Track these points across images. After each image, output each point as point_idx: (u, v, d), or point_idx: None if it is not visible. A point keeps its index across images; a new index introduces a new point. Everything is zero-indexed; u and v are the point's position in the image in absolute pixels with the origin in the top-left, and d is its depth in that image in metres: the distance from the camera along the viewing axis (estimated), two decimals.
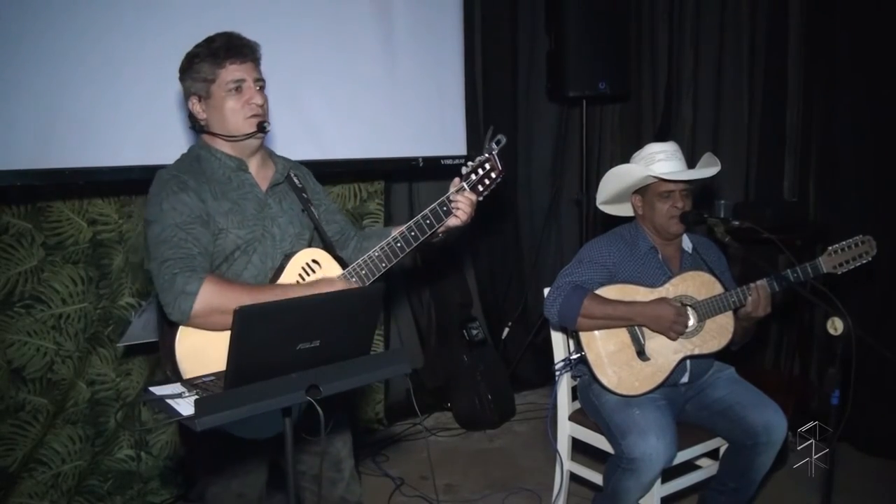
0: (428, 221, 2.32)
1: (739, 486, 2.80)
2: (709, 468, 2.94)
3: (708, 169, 2.83)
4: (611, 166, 3.02)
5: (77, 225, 3.12)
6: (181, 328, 2.03)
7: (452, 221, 2.35)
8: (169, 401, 1.68)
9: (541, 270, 5.15)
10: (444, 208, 2.33)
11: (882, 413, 3.83)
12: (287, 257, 2.21)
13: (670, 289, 2.80)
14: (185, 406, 1.63)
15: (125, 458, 3.34)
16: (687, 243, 2.95)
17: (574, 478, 3.15)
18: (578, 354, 2.85)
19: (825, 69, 4.21)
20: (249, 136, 2.17)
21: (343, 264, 2.28)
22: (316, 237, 2.37)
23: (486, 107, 4.68)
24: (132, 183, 3.18)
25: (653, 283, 2.81)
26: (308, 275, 2.21)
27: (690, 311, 2.77)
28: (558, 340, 3.09)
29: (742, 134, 4.57)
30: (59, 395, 3.11)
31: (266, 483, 2.33)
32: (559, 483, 3.15)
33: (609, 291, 2.79)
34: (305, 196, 2.35)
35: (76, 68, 2.85)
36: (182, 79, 2.20)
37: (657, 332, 2.75)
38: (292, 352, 1.65)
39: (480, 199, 2.39)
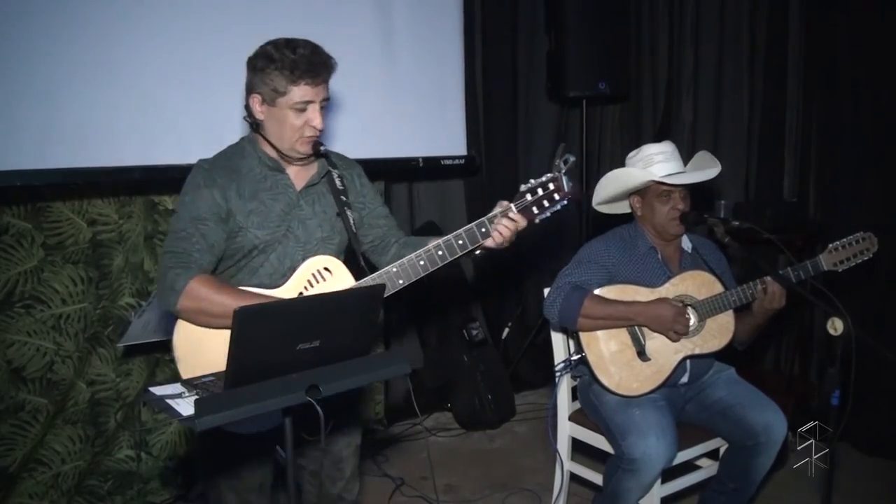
0: (461, 242, 2.18)
1: (739, 486, 2.80)
2: (709, 468, 2.94)
3: (709, 170, 2.82)
4: (611, 166, 3.02)
5: (77, 225, 3.12)
6: (178, 320, 2.07)
7: (489, 244, 2.21)
8: (169, 401, 1.68)
9: (540, 270, 5.14)
10: (483, 229, 2.19)
11: (882, 413, 3.83)
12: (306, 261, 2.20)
13: (670, 288, 2.80)
14: (185, 406, 1.64)
15: (125, 459, 3.34)
16: (686, 243, 2.95)
17: (574, 478, 3.16)
18: (579, 355, 2.85)
19: (825, 69, 4.21)
20: (304, 157, 2.18)
21: (361, 274, 2.22)
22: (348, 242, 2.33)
23: (486, 107, 4.68)
24: (132, 183, 3.19)
25: (652, 283, 2.81)
26: (317, 282, 2.18)
27: (691, 311, 2.77)
28: (558, 341, 3.09)
29: (742, 134, 4.58)
30: (58, 396, 3.11)
31: (274, 474, 2.35)
32: (559, 483, 3.15)
33: (609, 292, 2.79)
34: (344, 199, 2.29)
35: (76, 69, 2.85)
36: (251, 70, 2.13)
37: (657, 332, 2.74)
38: (292, 352, 1.65)
39: (536, 222, 2.24)
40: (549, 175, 2.21)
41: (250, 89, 2.15)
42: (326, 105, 2.17)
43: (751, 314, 2.81)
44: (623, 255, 2.86)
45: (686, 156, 2.93)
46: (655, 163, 2.80)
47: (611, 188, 2.92)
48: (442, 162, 4.08)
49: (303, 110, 2.11)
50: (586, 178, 4.68)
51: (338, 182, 2.30)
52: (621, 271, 2.84)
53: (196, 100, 3.15)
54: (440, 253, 2.17)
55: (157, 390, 1.76)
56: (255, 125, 2.20)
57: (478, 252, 2.24)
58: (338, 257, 2.27)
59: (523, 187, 2.22)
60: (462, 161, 4.18)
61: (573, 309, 2.73)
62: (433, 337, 4.71)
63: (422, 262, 2.18)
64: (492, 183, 4.80)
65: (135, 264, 3.28)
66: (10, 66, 2.71)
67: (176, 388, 1.79)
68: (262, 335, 1.61)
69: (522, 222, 2.21)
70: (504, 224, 2.18)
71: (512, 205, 2.20)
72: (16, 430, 3.03)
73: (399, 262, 2.17)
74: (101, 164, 2.95)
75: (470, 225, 2.19)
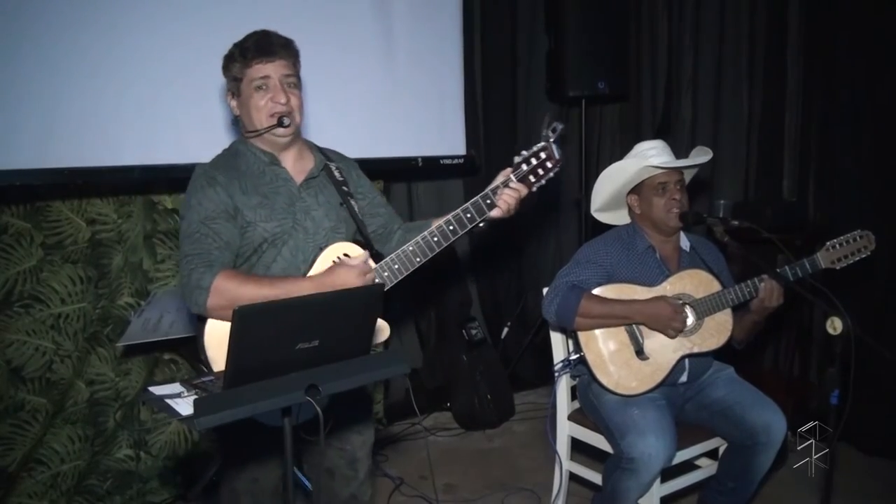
0: (469, 215, 2.25)
1: (738, 485, 2.81)
2: (708, 468, 2.94)
3: (701, 157, 2.84)
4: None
5: (76, 224, 3.12)
6: (209, 320, 2.10)
7: (496, 213, 2.28)
8: (168, 401, 1.67)
9: (540, 270, 5.14)
10: (488, 201, 2.26)
11: (882, 413, 3.84)
12: (321, 251, 2.24)
13: (668, 287, 2.80)
14: (185, 406, 1.63)
15: (124, 458, 3.34)
16: (685, 242, 2.95)
17: (573, 477, 3.16)
18: (578, 355, 2.85)
19: (824, 68, 4.22)
20: (268, 129, 2.21)
21: (379, 259, 2.27)
22: (355, 232, 2.38)
23: (485, 107, 4.68)
24: (131, 182, 3.19)
25: (651, 282, 2.81)
26: None
27: (689, 309, 2.77)
28: (557, 340, 3.09)
29: (741, 134, 4.58)
30: (58, 395, 3.11)
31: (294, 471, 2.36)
32: (558, 483, 3.15)
33: (607, 291, 2.79)
34: (346, 189, 2.36)
35: (75, 68, 2.85)
36: (223, 75, 2.27)
37: (655, 329, 2.75)
38: (292, 351, 1.65)
39: (534, 190, 2.30)
40: (539, 144, 2.28)
41: (226, 92, 2.29)
42: (294, 84, 2.25)
43: (749, 312, 2.82)
44: (621, 254, 2.86)
45: (685, 155, 2.93)
46: (649, 157, 2.82)
47: (607, 186, 2.92)
48: (441, 161, 4.09)
49: (263, 88, 2.19)
50: (586, 178, 4.68)
51: (337, 174, 2.37)
52: (620, 271, 2.84)
53: (195, 99, 3.15)
54: (451, 228, 2.24)
55: (157, 390, 1.76)
56: (236, 122, 2.31)
57: (481, 224, 2.30)
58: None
59: (517, 158, 2.29)
60: (461, 161, 4.18)
61: (570, 308, 2.74)
62: (432, 337, 4.71)
63: (435, 238, 2.24)
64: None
65: (134, 264, 3.28)
66: (9, 65, 2.72)
67: (175, 387, 1.79)
68: (262, 334, 1.61)
69: (524, 190, 2.28)
70: (507, 193, 2.26)
71: (511, 174, 2.28)
72: (15, 429, 3.03)
73: (414, 240, 2.23)
74: (101, 163, 2.95)
75: (475, 198, 2.26)
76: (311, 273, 2.20)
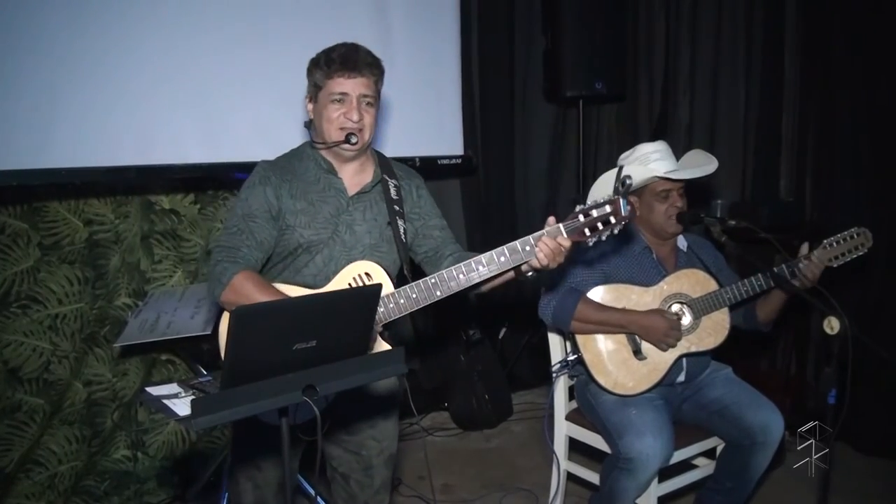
0: (503, 259, 2.09)
1: (736, 485, 2.81)
2: (705, 468, 2.95)
3: (708, 166, 2.83)
4: (608, 165, 3.02)
5: (73, 225, 3.12)
6: (224, 312, 2.18)
7: (534, 263, 2.09)
8: (165, 401, 1.68)
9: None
10: (527, 248, 2.08)
11: (879, 412, 3.84)
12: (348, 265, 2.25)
13: (665, 287, 2.80)
14: (182, 406, 1.63)
15: (122, 459, 3.34)
16: (682, 242, 2.95)
17: (571, 477, 3.16)
18: (575, 355, 2.85)
19: (821, 69, 4.22)
20: (335, 144, 2.24)
21: (401, 283, 2.22)
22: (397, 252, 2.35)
23: (482, 107, 4.68)
24: (128, 183, 3.19)
25: (648, 282, 2.81)
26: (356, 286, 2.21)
27: (686, 309, 2.78)
28: (555, 341, 3.09)
29: (738, 133, 4.58)
30: (55, 396, 3.11)
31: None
32: (556, 483, 3.15)
33: (604, 291, 2.80)
34: (397, 209, 2.36)
35: (72, 68, 2.85)
36: (307, 78, 2.30)
37: (649, 342, 2.75)
38: (289, 352, 1.65)
39: (590, 244, 2.09)
40: (608, 197, 2.05)
41: (307, 93, 2.33)
42: (371, 104, 2.28)
43: (778, 294, 2.81)
44: (618, 255, 2.86)
45: (682, 154, 2.93)
46: (653, 161, 2.80)
47: (609, 189, 2.90)
48: (439, 161, 4.09)
49: (340, 101, 2.23)
50: (583, 179, 4.69)
51: (393, 191, 2.37)
52: (617, 271, 2.84)
53: (192, 100, 3.15)
54: (480, 269, 2.11)
55: (154, 390, 1.76)
56: (308, 125, 2.35)
57: (530, 274, 2.15)
58: (386, 266, 2.27)
59: (578, 207, 2.08)
60: (459, 161, 4.18)
61: (567, 312, 2.74)
62: (430, 337, 4.70)
63: (462, 276, 2.13)
64: (488, 182, 4.80)
65: (131, 264, 3.28)
66: (6, 66, 2.71)
67: (172, 388, 1.79)
68: (259, 334, 1.60)
69: (567, 244, 2.07)
70: (545, 242, 2.06)
71: (561, 225, 2.07)
72: (12, 430, 3.02)
73: (438, 273, 2.14)
74: (98, 163, 2.95)
75: (514, 241, 2.09)
76: (328, 286, 2.22)
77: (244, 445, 2.34)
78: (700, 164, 2.86)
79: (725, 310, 2.80)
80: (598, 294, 2.80)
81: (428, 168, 4.07)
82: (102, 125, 2.94)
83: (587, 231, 2.05)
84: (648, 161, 2.80)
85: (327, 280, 2.23)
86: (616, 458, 2.67)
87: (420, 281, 2.16)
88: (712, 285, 2.81)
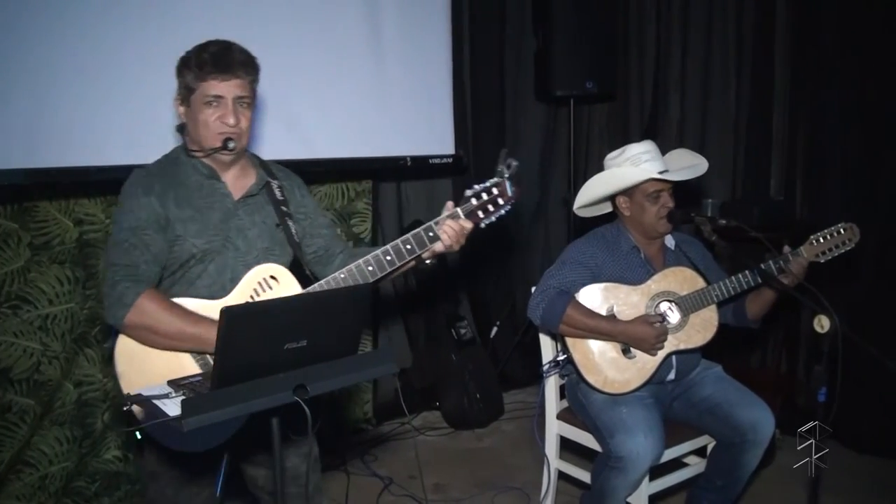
0: (408, 246, 2.17)
1: (727, 483, 2.82)
2: (696, 466, 2.95)
3: (699, 166, 2.84)
4: (598, 164, 3.02)
5: (63, 225, 3.11)
6: (120, 335, 2.05)
7: (438, 248, 2.21)
8: (155, 401, 1.67)
9: (528, 269, 5.15)
10: (430, 233, 2.18)
11: (869, 410, 3.86)
12: (248, 270, 2.16)
13: (653, 285, 2.81)
14: (172, 407, 1.63)
15: (112, 460, 3.32)
16: (670, 241, 2.96)
17: (562, 476, 3.17)
18: (565, 355, 2.86)
19: (812, 68, 4.23)
20: (212, 151, 2.14)
21: (307, 282, 2.20)
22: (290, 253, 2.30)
23: (474, 106, 4.69)
24: (118, 182, 3.14)
25: (636, 281, 2.82)
26: (263, 291, 2.14)
27: (674, 307, 2.79)
28: (546, 340, 3.10)
29: (729, 133, 4.59)
30: (46, 396, 3.10)
31: (222, 494, 2.27)
32: (547, 481, 3.15)
33: (593, 290, 2.80)
34: (285, 210, 2.28)
35: (62, 68, 2.84)
36: (176, 77, 2.17)
37: (637, 350, 2.76)
38: (279, 352, 1.65)
39: (482, 226, 2.23)
40: (493, 180, 2.22)
41: (176, 95, 2.18)
42: (247, 105, 2.16)
43: (768, 291, 2.82)
44: (606, 254, 2.87)
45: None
46: (644, 161, 2.80)
47: (600, 189, 2.91)
48: (430, 161, 4.09)
49: (214, 105, 2.11)
50: (574, 178, 4.70)
51: (277, 192, 2.29)
52: (605, 271, 2.85)
53: None
54: (388, 258, 2.16)
55: (144, 391, 1.76)
56: (180, 128, 2.23)
57: (428, 261, 2.26)
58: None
59: (468, 192, 2.23)
60: (450, 160, 4.18)
61: (555, 315, 2.74)
62: (421, 336, 4.71)
63: (370, 268, 2.15)
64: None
65: None
66: None
67: (163, 388, 1.79)
68: (250, 335, 1.61)
69: (468, 225, 2.22)
70: (449, 225, 2.19)
71: (458, 209, 2.22)
72: (2, 431, 3.01)
73: (347, 268, 2.15)
74: (88, 163, 2.93)
75: (417, 229, 2.19)
76: (230, 294, 2.13)
77: (160, 480, 2.22)
78: (689, 164, 2.87)
79: (714, 307, 2.81)
80: (586, 293, 2.80)
81: (419, 167, 4.08)
82: (92, 124, 2.93)
83: (480, 213, 2.22)
84: (640, 162, 2.81)
85: (224, 290, 2.14)
86: (607, 456, 2.67)
87: (329, 277, 2.16)
88: (700, 283, 2.82)
